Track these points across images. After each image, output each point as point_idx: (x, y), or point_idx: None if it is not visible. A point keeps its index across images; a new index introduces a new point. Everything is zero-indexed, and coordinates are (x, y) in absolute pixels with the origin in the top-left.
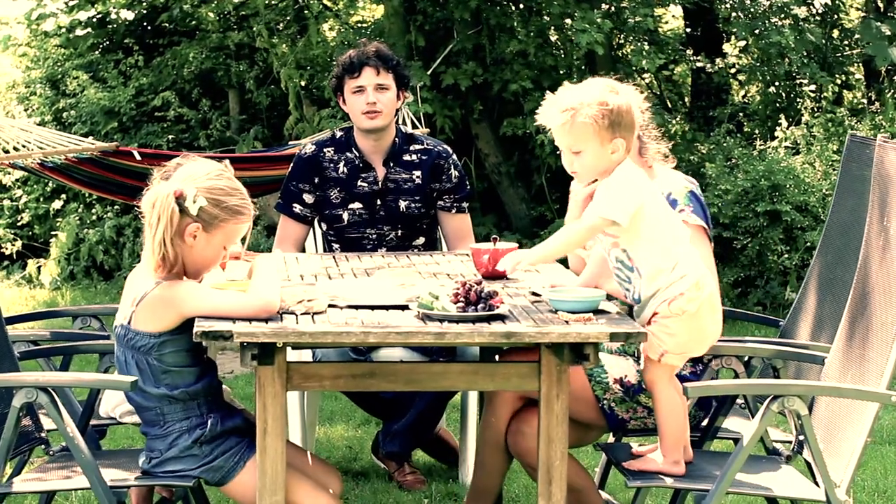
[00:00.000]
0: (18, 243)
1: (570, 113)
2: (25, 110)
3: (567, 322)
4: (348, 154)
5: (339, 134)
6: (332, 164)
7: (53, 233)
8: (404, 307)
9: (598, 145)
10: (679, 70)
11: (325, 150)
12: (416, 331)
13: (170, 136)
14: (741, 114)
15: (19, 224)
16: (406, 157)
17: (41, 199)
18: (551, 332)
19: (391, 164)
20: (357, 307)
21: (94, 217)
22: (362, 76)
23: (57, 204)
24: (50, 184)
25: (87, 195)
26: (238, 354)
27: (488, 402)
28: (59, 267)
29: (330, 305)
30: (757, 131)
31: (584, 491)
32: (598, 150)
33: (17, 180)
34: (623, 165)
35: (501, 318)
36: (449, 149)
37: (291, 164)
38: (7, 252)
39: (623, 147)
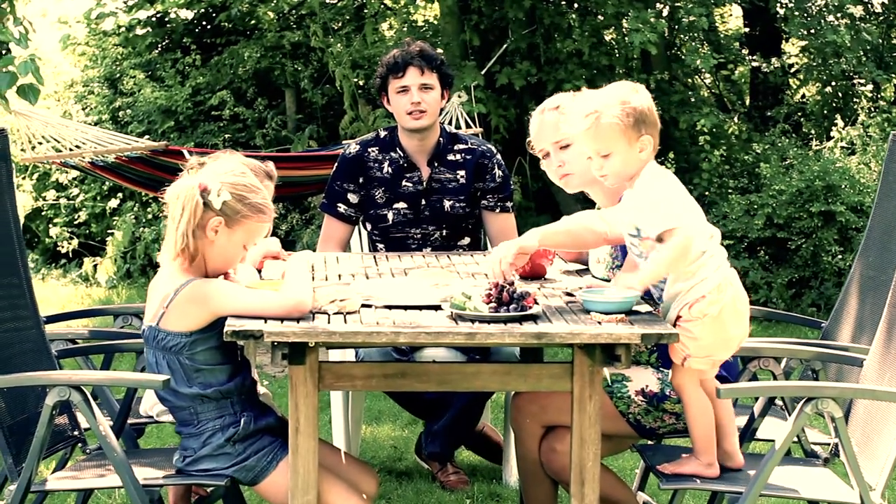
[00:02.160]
0: (75, 241)
1: (594, 116)
2: (83, 109)
3: (599, 323)
4: (393, 154)
5: (383, 134)
6: (376, 164)
7: (110, 231)
8: (437, 307)
9: (627, 145)
10: (741, 70)
11: (369, 149)
12: (447, 331)
13: (226, 136)
14: (798, 114)
15: (76, 223)
16: (450, 157)
17: (98, 198)
18: (583, 332)
19: (436, 164)
20: (390, 307)
21: (149, 216)
22: (406, 76)
23: (113, 203)
24: (106, 183)
25: (143, 194)
26: None
27: (516, 437)
28: (116, 265)
29: (365, 305)
30: (813, 131)
31: (623, 502)
32: (627, 150)
33: (74, 179)
34: (649, 170)
35: (533, 318)
36: (493, 148)
37: (336, 164)
38: (63, 251)
39: (651, 144)
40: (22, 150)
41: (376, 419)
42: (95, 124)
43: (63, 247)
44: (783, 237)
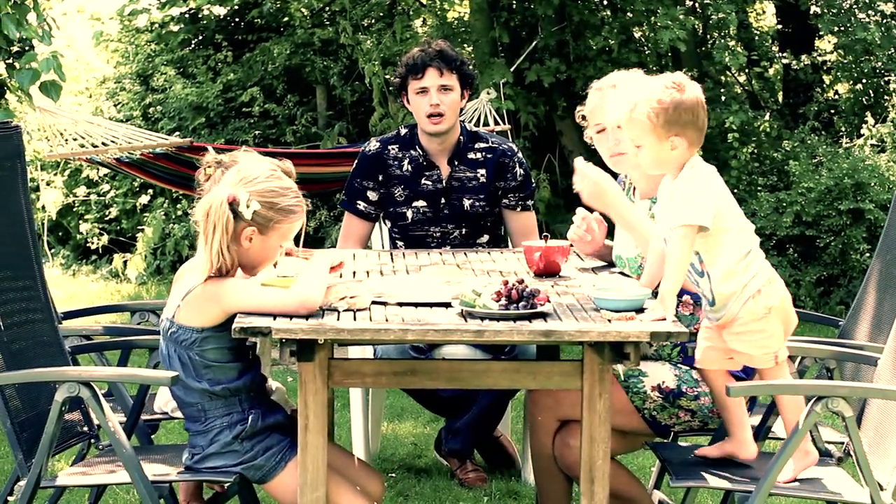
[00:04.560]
0: (105, 238)
1: (628, 108)
2: (115, 105)
3: (609, 321)
4: (412, 152)
5: (403, 132)
6: (396, 162)
7: (140, 228)
8: (448, 304)
9: (656, 141)
10: (776, 68)
11: (389, 147)
12: (455, 328)
13: (256, 132)
14: (831, 111)
15: (107, 219)
16: (471, 156)
17: (129, 195)
18: (591, 330)
19: (455, 163)
20: (401, 304)
21: (179, 212)
22: (426, 77)
23: (144, 199)
24: (137, 179)
25: (173, 191)
26: None
27: (531, 431)
28: (145, 262)
29: (380, 303)
30: (843, 128)
31: (636, 499)
32: (657, 145)
33: (104, 175)
34: (691, 165)
35: (543, 316)
36: (514, 147)
37: (356, 162)
38: (93, 247)
39: (682, 144)
40: (50, 147)
41: (398, 416)
42: (126, 121)
43: (93, 243)
44: (812, 235)
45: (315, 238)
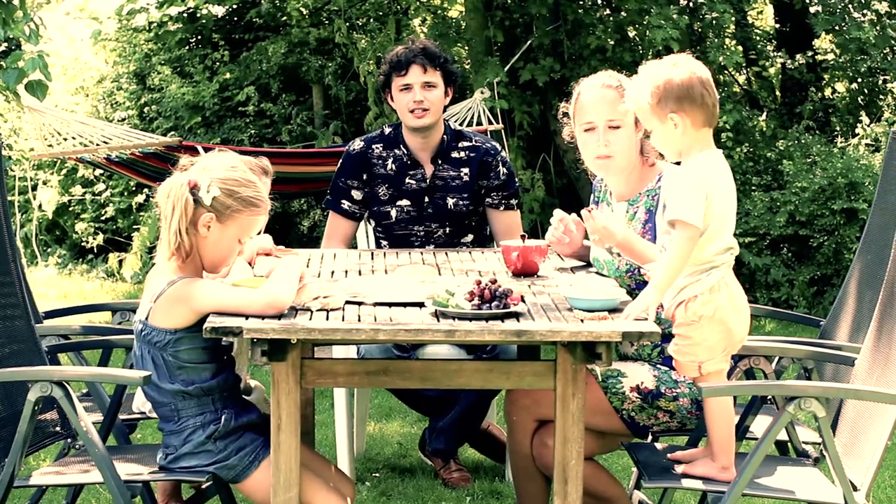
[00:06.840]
0: (101, 237)
1: (633, 98)
2: (111, 105)
3: (582, 320)
4: (397, 151)
5: (388, 130)
6: (380, 161)
7: (136, 227)
8: (421, 304)
9: (659, 123)
10: (775, 67)
11: (373, 146)
12: (427, 328)
13: (252, 131)
14: (829, 110)
15: (103, 218)
16: (454, 155)
17: (125, 194)
18: (563, 330)
19: (439, 162)
20: (375, 304)
21: None
22: (409, 74)
23: (140, 198)
24: (132, 179)
25: None
26: None
27: (509, 431)
28: (141, 261)
29: (354, 302)
30: (839, 128)
31: (614, 499)
32: (661, 128)
33: (101, 175)
34: (697, 161)
35: (515, 315)
36: (497, 146)
37: (340, 161)
38: (88, 246)
39: (684, 122)
40: (50, 145)
41: (386, 416)
42: (122, 120)
43: (87, 242)
44: (805, 234)
45: (310, 238)
